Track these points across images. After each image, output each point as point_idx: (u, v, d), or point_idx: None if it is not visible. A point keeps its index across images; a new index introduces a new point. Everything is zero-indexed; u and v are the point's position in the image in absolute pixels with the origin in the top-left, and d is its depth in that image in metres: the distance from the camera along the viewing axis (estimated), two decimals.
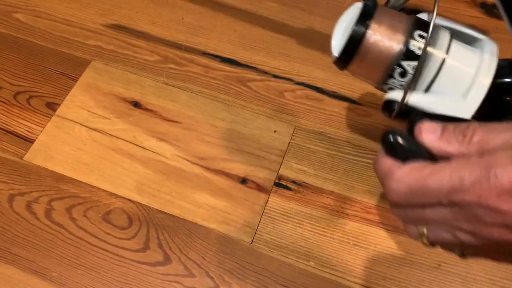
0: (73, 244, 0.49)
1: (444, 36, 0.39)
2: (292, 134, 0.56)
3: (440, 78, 0.39)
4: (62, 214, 0.50)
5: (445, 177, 0.24)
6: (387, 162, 0.26)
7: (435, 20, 0.39)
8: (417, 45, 0.38)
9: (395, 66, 0.39)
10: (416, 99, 0.39)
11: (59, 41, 0.64)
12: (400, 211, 0.27)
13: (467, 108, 0.38)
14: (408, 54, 0.38)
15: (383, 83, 0.40)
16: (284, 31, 0.65)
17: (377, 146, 0.55)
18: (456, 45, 0.40)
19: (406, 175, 0.25)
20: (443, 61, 0.39)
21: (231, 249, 0.49)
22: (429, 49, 0.38)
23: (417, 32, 0.39)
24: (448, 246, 0.28)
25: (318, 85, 0.60)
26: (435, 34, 0.39)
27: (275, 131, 0.56)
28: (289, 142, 0.55)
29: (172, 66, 0.61)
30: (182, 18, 0.66)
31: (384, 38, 0.39)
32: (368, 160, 0.54)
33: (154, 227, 0.50)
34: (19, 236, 0.49)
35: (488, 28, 0.64)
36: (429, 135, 0.26)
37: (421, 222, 0.26)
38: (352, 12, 0.40)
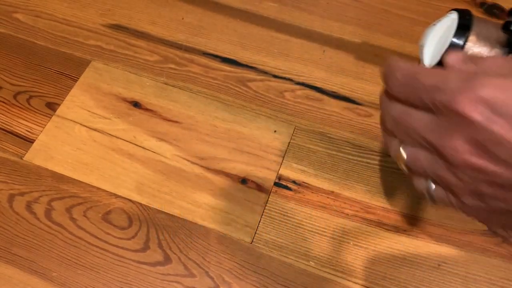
0: (73, 244, 0.49)
1: None
2: (292, 134, 0.56)
3: None
4: (62, 214, 0.50)
5: (434, 76, 0.25)
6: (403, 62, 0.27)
7: None
8: None
9: None
10: None
11: (59, 41, 0.64)
12: (389, 108, 0.28)
13: None
14: None
15: None
16: (284, 31, 0.65)
17: (377, 146, 0.55)
18: None
19: (404, 64, 0.26)
20: None
21: (231, 249, 0.49)
22: None
23: None
24: (421, 172, 0.27)
25: (318, 85, 0.60)
26: None
27: (275, 131, 0.56)
28: (289, 142, 0.55)
29: (172, 66, 0.61)
30: (182, 18, 0.66)
31: (482, 51, 0.37)
32: (368, 160, 0.54)
33: (154, 227, 0.50)
34: (19, 236, 0.49)
35: None
36: (453, 55, 0.27)
37: (402, 130, 0.27)
38: (447, 23, 0.38)
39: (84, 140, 0.55)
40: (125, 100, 0.58)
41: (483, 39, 0.37)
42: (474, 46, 0.37)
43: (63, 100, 0.58)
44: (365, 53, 0.63)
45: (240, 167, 0.54)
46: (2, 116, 0.57)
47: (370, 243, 0.49)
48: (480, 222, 0.29)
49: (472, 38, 0.37)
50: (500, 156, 0.22)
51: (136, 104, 0.58)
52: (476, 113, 0.22)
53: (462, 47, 0.37)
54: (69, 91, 0.59)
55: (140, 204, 0.51)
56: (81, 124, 0.56)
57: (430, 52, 0.38)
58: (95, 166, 0.54)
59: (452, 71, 0.25)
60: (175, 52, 0.63)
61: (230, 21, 0.65)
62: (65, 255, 0.48)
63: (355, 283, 0.47)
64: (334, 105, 0.58)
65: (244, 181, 0.53)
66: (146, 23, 0.65)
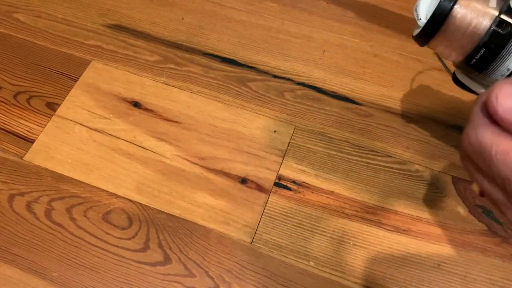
0: (73, 244, 0.49)
1: None
2: (292, 134, 0.56)
3: None
4: (62, 214, 0.51)
5: (505, 164, 0.21)
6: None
7: None
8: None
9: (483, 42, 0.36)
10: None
11: (59, 41, 0.64)
12: (465, 162, 0.25)
13: None
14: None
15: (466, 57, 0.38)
16: (284, 31, 0.65)
17: (377, 146, 0.55)
18: None
19: (475, 137, 0.23)
20: None
21: (231, 249, 0.49)
22: None
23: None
24: (491, 201, 0.25)
25: (318, 85, 0.60)
26: None
27: (275, 131, 0.56)
28: (289, 142, 0.55)
29: (172, 66, 0.61)
30: (182, 18, 0.66)
31: (473, 12, 0.37)
32: (368, 160, 0.54)
33: (154, 227, 0.50)
34: (19, 236, 0.49)
35: None
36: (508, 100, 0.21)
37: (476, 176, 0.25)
38: None
39: (84, 140, 0.55)
40: (125, 100, 0.58)
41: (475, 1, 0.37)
42: (464, 8, 0.37)
43: (63, 100, 0.58)
44: (365, 53, 0.63)
45: (240, 167, 0.54)
46: (2, 116, 0.57)
47: (370, 243, 0.49)
48: None
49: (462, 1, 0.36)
50: None
51: (136, 104, 0.58)
52: None
53: (451, 8, 0.36)
54: (69, 91, 0.59)
55: (140, 204, 0.51)
56: (81, 124, 0.56)
57: (425, 8, 0.38)
58: (95, 166, 0.54)
59: None
60: (175, 52, 0.63)
61: (230, 21, 0.66)
62: (65, 255, 0.48)
63: (355, 283, 0.47)
64: (334, 105, 0.58)
65: (244, 181, 0.53)
66: (146, 23, 0.65)
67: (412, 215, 0.51)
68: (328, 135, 0.56)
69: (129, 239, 0.49)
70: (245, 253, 0.48)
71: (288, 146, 0.55)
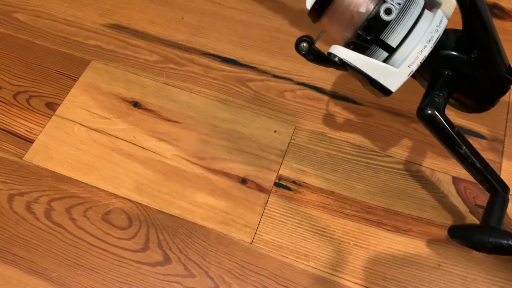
0: (73, 244, 0.49)
1: (410, 20, 0.41)
2: (292, 134, 0.56)
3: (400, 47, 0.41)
4: (62, 214, 0.50)
5: None
6: None
7: None
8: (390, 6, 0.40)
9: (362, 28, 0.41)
10: (351, 54, 0.41)
11: (59, 41, 0.64)
12: None
13: (396, 78, 0.41)
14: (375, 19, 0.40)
15: (348, 40, 0.42)
16: (284, 31, 0.65)
17: (377, 146, 0.55)
18: (424, 18, 0.41)
19: None
20: (403, 39, 0.41)
21: (231, 249, 0.49)
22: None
23: (385, 6, 0.40)
24: None
25: (318, 85, 0.60)
26: (404, 10, 0.41)
27: (275, 131, 0.56)
28: (289, 142, 0.55)
29: (172, 66, 0.61)
30: (182, 18, 0.66)
31: (355, 1, 0.40)
32: (368, 160, 0.54)
33: (154, 227, 0.50)
34: (18, 236, 0.49)
35: None
36: None
37: None
38: None
39: (84, 140, 0.55)
40: (125, 100, 0.58)
41: None
42: None
43: (63, 100, 0.58)
44: None
45: (240, 167, 0.53)
46: (2, 116, 0.57)
47: (370, 243, 0.49)
48: None
49: None
50: None
51: (136, 104, 0.58)
52: None
53: None
54: (69, 91, 0.59)
55: (140, 204, 0.51)
56: (80, 124, 0.56)
57: None
58: (94, 166, 0.54)
59: None
60: (175, 52, 0.62)
61: (230, 21, 0.65)
62: (65, 255, 0.48)
63: (355, 283, 0.47)
64: (334, 105, 0.58)
65: (244, 181, 0.53)
66: (146, 23, 0.65)
67: (412, 215, 0.50)
68: (328, 135, 0.56)
69: (129, 239, 0.49)
70: (245, 253, 0.48)
71: (288, 146, 0.55)
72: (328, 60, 0.42)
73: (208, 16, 0.66)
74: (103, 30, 0.64)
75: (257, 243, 0.49)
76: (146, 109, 0.58)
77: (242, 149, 0.55)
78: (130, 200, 0.51)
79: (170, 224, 0.50)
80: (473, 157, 0.43)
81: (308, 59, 0.43)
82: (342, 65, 0.42)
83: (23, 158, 0.54)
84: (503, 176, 0.52)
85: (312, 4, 0.42)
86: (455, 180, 0.53)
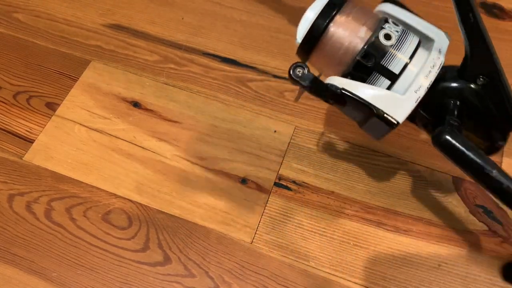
0: (73, 244, 0.49)
1: (410, 45, 0.39)
2: (292, 134, 0.56)
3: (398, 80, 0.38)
4: (62, 214, 0.50)
5: None
6: None
7: (401, 20, 0.40)
8: (383, 43, 0.38)
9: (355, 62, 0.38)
10: (352, 83, 0.38)
11: (59, 41, 0.64)
12: None
13: (403, 106, 0.38)
14: (368, 54, 0.38)
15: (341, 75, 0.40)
16: (284, 31, 0.65)
17: (377, 146, 0.55)
18: (423, 47, 0.39)
19: None
20: (405, 65, 0.38)
21: (231, 249, 0.49)
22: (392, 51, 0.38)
23: (383, 32, 0.38)
24: None
25: None
26: (403, 37, 0.39)
27: (275, 131, 0.56)
28: (289, 142, 0.55)
29: (172, 66, 0.61)
30: (182, 18, 0.66)
31: (347, 33, 0.38)
32: (368, 160, 0.54)
33: (154, 227, 0.50)
34: (18, 236, 0.49)
35: (488, 28, 0.64)
36: None
37: None
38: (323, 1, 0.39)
39: (84, 140, 0.55)
40: (125, 100, 0.58)
41: (351, 22, 0.38)
42: (339, 28, 0.38)
43: (63, 100, 0.58)
44: None
45: (240, 167, 0.53)
46: (2, 116, 0.57)
47: (370, 243, 0.49)
48: None
49: (338, 19, 0.38)
50: None
51: (136, 104, 0.58)
52: None
53: (325, 27, 0.39)
54: (69, 91, 0.59)
55: (140, 204, 0.51)
56: (80, 124, 0.56)
57: (302, 31, 0.41)
58: (94, 166, 0.54)
59: None
60: (175, 52, 0.62)
61: (230, 21, 0.65)
62: (65, 255, 0.48)
63: (355, 283, 0.47)
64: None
65: (244, 181, 0.53)
66: (146, 23, 0.65)
67: (412, 215, 0.50)
68: (328, 135, 0.56)
69: (129, 239, 0.49)
70: (245, 253, 0.48)
71: (288, 146, 0.55)
72: (326, 90, 0.38)
73: (208, 16, 0.66)
74: (103, 30, 0.64)
75: (257, 243, 0.49)
76: (146, 109, 0.58)
77: (242, 149, 0.55)
78: (130, 200, 0.51)
79: (170, 224, 0.50)
80: (509, 179, 0.36)
81: (305, 88, 0.39)
82: (341, 96, 0.38)
83: (23, 158, 0.54)
84: None
85: (302, 38, 0.40)
86: (455, 180, 0.53)
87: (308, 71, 0.39)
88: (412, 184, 0.52)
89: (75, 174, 0.53)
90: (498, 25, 0.63)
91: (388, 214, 0.51)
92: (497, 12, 0.65)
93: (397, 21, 0.40)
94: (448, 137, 0.37)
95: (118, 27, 0.65)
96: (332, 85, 0.38)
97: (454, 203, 0.51)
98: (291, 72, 0.39)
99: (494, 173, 0.36)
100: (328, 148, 0.55)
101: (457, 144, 0.37)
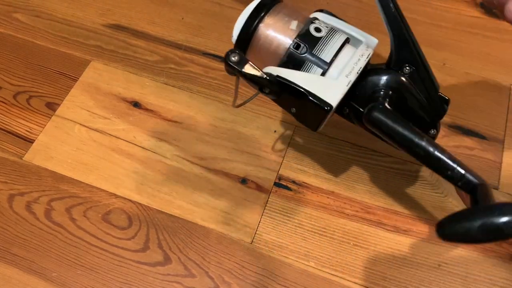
0: (73, 244, 0.49)
1: (339, 39, 0.42)
2: (292, 134, 0.56)
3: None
4: (62, 214, 0.50)
5: None
6: None
7: (330, 22, 0.43)
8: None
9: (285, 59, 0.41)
10: (286, 71, 0.41)
11: (59, 41, 0.64)
12: None
13: (335, 89, 0.40)
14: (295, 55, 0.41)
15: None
16: None
17: (377, 146, 0.55)
18: (347, 50, 0.42)
19: None
20: (336, 53, 0.41)
21: (231, 249, 0.49)
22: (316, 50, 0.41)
23: (314, 25, 0.42)
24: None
25: None
26: (333, 32, 0.42)
27: (275, 131, 0.56)
28: (289, 142, 0.55)
29: (172, 66, 0.61)
30: (182, 18, 0.66)
31: (279, 28, 0.41)
32: (368, 160, 0.54)
33: (154, 227, 0.50)
34: (19, 236, 0.49)
35: (488, 28, 0.64)
36: None
37: None
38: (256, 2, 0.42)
39: (84, 140, 0.55)
40: (125, 100, 0.58)
41: (280, 22, 0.42)
42: (268, 29, 0.41)
43: (63, 100, 0.58)
44: None
45: (240, 167, 0.53)
46: (2, 116, 0.57)
47: (370, 243, 0.49)
48: None
49: (267, 20, 0.42)
50: None
51: (136, 104, 0.58)
52: None
53: (255, 28, 0.42)
54: (69, 91, 0.59)
55: (140, 204, 0.51)
56: (80, 124, 0.56)
57: (236, 33, 0.43)
58: (94, 166, 0.54)
59: None
60: (175, 52, 0.63)
61: (230, 21, 0.65)
62: (65, 255, 0.48)
63: (355, 283, 0.47)
64: None
65: (244, 181, 0.53)
66: (146, 23, 0.65)
67: (412, 215, 0.50)
68: (328, 135, 0.56)
69: (129, 239, 0.49)
70: (245, 253, 0.48)
71: (288, 146, 0.55)
72: (262, 80, 0.40)
73: (208, 16, 0.66)
74: (103, 30, 0.64)
75: (257, 243, 0.49)
76: (146, 109, 0.58)
77: (242, 149, 0.55)
78: (130, 200, 0.51)
79: (170, 224, 0.50)
80: (439, 148, 0.37)
81: (241, 74, 0.41)
82: (277, 84, 0.40)
83: (23, 158, 0.54)
84: (503, 176, 0.52)
85: (237, 36, 0.42)
86: None
87: (244, 57, 0.41)
88: (412, 184, 0.52)
89: (75, 174, 0.53)
90: (498, 25, 0.63)
91: (388, 214, 0.51)
92: (497, 12, 0.65)
93: (327, 24, 0.43)
94: (377, 112, 0.40)
95: (118, 27, 0.65)
96: (268, 73, 0.40)
97: (454, 203, 0.51)
98: (226, 58, 0.40)
99: (424, 143, 0.37)
100: (328, 148, 0.55)
101: (387, 118, 0.39)
